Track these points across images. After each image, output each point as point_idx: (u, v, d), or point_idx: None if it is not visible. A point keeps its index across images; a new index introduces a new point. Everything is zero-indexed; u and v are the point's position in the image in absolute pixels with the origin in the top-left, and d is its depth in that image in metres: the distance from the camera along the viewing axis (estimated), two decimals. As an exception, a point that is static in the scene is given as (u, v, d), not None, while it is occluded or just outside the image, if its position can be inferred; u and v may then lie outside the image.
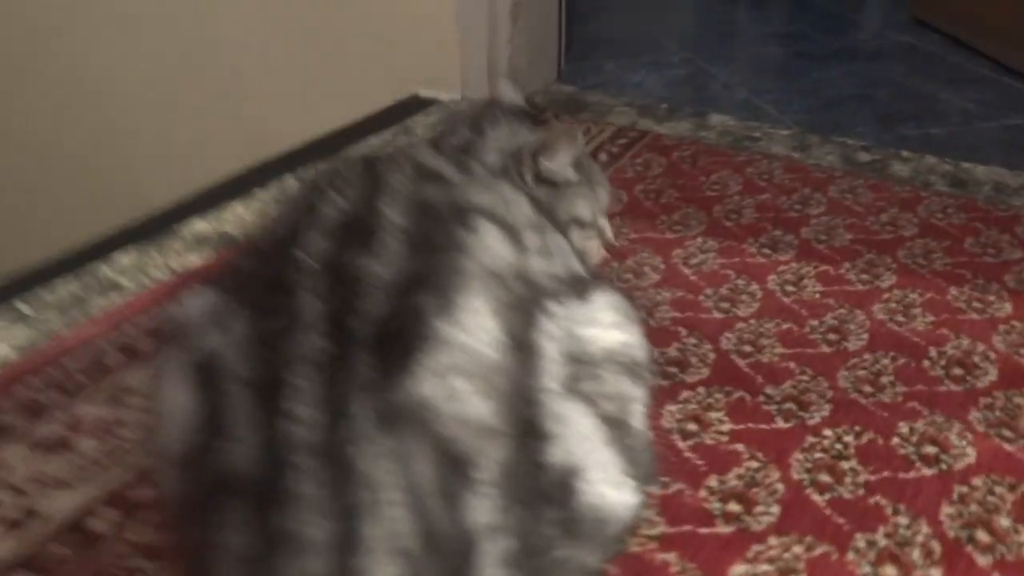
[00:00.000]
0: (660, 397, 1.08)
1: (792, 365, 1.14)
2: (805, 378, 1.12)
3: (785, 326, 1.22)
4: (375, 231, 0.66)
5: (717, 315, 1.25)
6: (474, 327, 0.63)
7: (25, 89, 2.44)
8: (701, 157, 1.74)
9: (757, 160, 1.74)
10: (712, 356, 1.16)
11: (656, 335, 1.19)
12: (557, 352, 0.67)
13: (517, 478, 0.63)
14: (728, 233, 1.47)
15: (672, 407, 1.07)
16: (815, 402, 1.07)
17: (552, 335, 0.67)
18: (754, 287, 1.32)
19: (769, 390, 1.10)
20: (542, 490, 0.65)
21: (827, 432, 1.02)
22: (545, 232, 0.76)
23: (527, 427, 0.64)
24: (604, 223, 1.08)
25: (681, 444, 1.00)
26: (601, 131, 1.86)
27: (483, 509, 0.61)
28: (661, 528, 0.88)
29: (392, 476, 0.58)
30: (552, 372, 0.66)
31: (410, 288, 0.63)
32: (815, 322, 1.23)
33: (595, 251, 1.07)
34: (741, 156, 1.76)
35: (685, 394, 1.09)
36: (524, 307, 0.67)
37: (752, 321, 1.24)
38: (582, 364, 0.69)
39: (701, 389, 1.10)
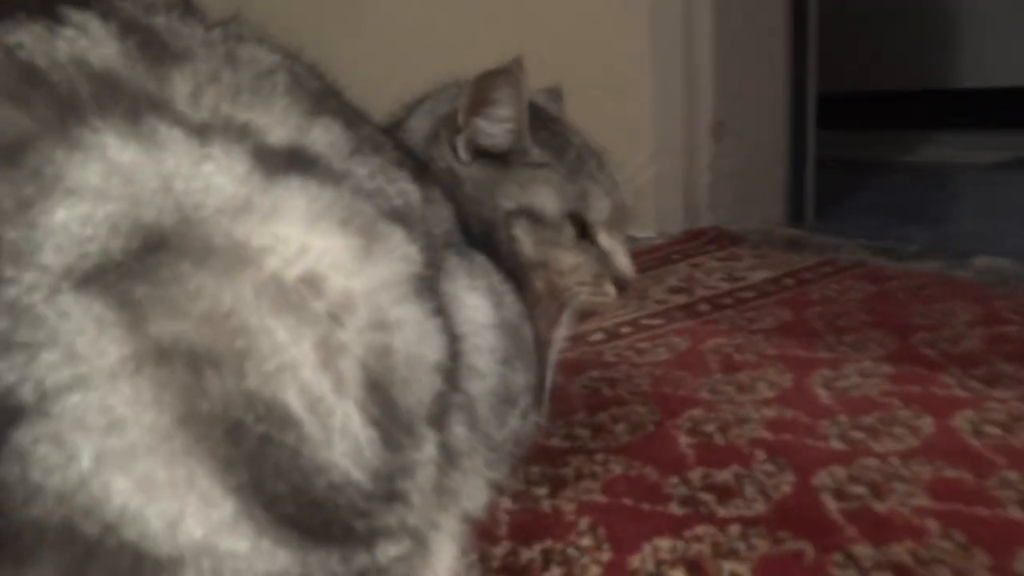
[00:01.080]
0: (653, 525, 0.65)
1: (932, 524, 0.64)
2: (948, 545, 0.61)
3: (949, 473, 0.71)
4: None
5: (834, 445, 0.77)
6: None
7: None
8: (932, 288, 1.24)
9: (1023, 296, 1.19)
10: (786, 490, 0.70)
11: (713, 453, 0.76)
12: (117, 200, 0.37)
13: None
14: (920, 360, 0.97)
15: (663, 542, 0.62)
16: (942, 582, 0.56)
17: (125, 165, 0.37)
18: (923, 421, 0.81)
19: (862, 550, 0.61)
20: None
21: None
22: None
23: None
24: (609, 242, 0.72)
25: (638, 594, 0.56)
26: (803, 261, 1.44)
27: None
28: None
29: None
30: (65, 223, 0.36)
31: None
32: (1013, 475, 0.70)
33: (579, 274, 0.71)
34: (1000, 292, 1.22)
35: (700, 529, 0.64)
36: (57, 98, 0.38)
37: (893, 460, 0.74)
38: (166, 247, 0.37)
39: (735, 528, 0.64)
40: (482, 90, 0.67)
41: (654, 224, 1.75)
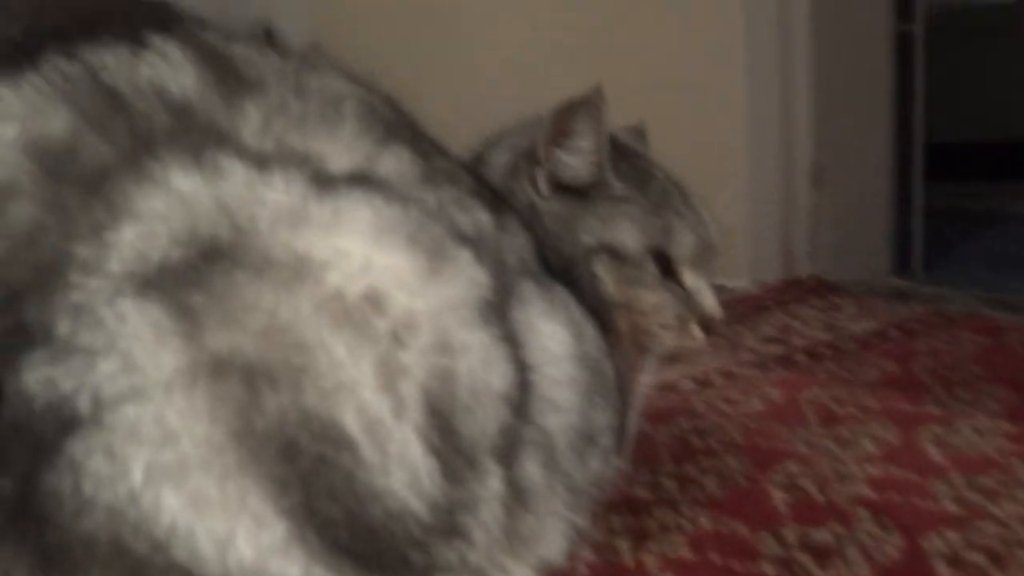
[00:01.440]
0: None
1: (1063, 600, 0.57)
2: (1082, 626, 0.54)
3: (1083, 542, 0.64)
4: None
5: (947, 506, 0.71)
6: None
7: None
8: (1055, 342, 1.15)
9: None
10: (892, 553, 0.63)
11: (810, 510, 0.71)
12: (176, 219, 0.37)
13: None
14: (1044, 418, 0.89)
15: (753, 604, 0.58)
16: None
17: (186, 193, 0.37)
18: (1050, 484, 0.73)
19: (981, 625, 0.54)
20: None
21: None
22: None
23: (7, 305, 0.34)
24: (694, 281, 0.69)
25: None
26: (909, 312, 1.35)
27: None
28: None
29: None
30: (130, 240, 0.36)
31: None
32: None
33: (662, 315, 0.68)
34: None
35: (794, 592, 0.59)
36: (141, 131, 0.39)
37: (1015, 525, 0.67)
38: (221, 256, 0.37)
39: (833, 592, 0.59)
40: (562, 121, 0.66)
41: (749, 272, 1.68)
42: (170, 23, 0.46)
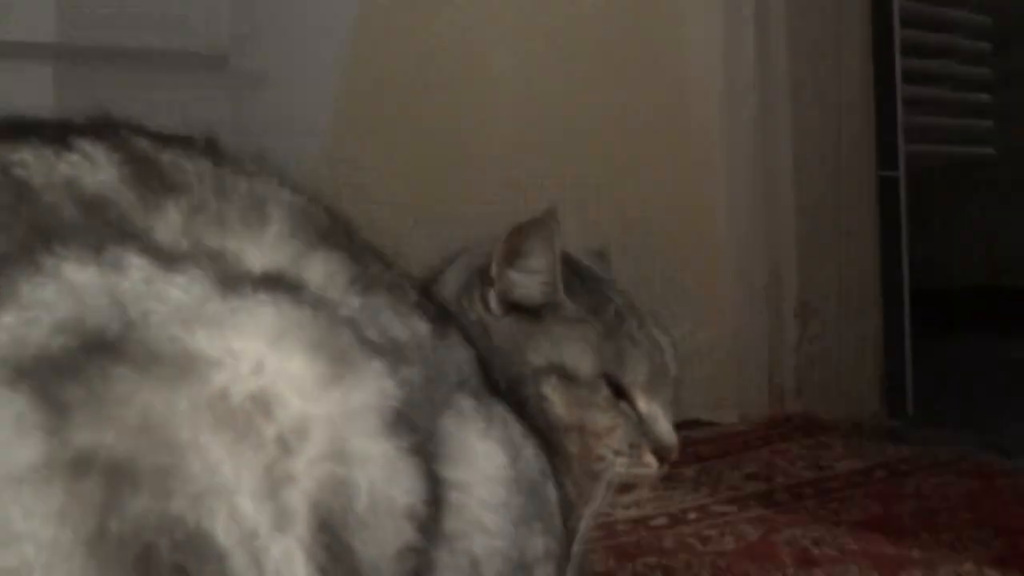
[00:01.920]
0: None
1: None
2: None
3: None
4: None
5: (922, 658, 0.65)
6: None
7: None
8: (1047, 487, 1.10)
9: None
10: None
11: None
12: (63, 309, 0.36)
13: None
14: (1031, 566, 0.84)
15: None
16: None
17: (77, 285, 0.37)
18: (1034, 637, 0.69)
19: None
20: None
21: None
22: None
23: None
24: (649, 408, 0.67)
25: None
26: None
27: None
28: None
29: None
30: (8, 323, 0.35)
31: None
32: None
33: (615, 439, 0.65)
34: None
35: None
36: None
37: None
38: (104, 349, 0.35)
39: None
40: (515, 241, 0.66)
41: (736, 408, 1.65)
42: (106, 131, 0.47)
